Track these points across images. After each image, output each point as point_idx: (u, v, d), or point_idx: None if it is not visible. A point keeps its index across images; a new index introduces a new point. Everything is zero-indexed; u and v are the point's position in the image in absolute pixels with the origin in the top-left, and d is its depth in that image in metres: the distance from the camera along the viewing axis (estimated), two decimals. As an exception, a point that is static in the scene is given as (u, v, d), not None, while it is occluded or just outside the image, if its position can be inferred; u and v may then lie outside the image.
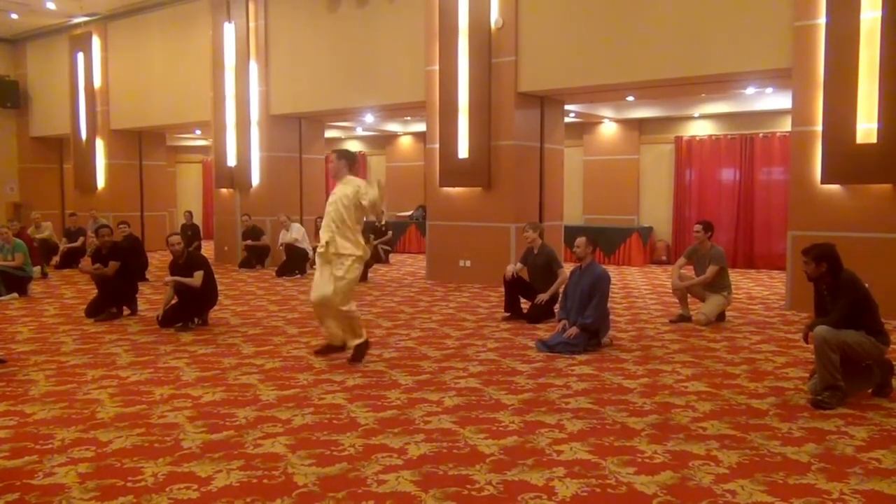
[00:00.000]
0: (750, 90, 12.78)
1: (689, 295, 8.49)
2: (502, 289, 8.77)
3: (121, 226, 12.41)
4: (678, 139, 15.28)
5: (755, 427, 4.57)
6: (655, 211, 15.70)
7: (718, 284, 8.28)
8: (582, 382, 5.68)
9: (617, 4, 10.25)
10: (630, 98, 13.64)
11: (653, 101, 14.54)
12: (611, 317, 7.37)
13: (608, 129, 16.19)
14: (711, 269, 8.19)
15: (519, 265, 8.68)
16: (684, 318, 8.33)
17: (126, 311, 8.90)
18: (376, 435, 4.42)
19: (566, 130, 13.37)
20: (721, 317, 8.37)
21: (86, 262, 10.30)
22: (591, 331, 6.80)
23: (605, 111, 15.26)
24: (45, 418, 4.79)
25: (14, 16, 17.45)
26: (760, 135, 14.33)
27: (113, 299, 8.80)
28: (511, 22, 11.11)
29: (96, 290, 8.94)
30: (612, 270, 13.63)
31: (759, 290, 11.20)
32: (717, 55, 9.58)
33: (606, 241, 14.93)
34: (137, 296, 9.16)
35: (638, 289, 11.29)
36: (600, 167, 16.27)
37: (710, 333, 7.69)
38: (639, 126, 15.86)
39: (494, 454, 4.09)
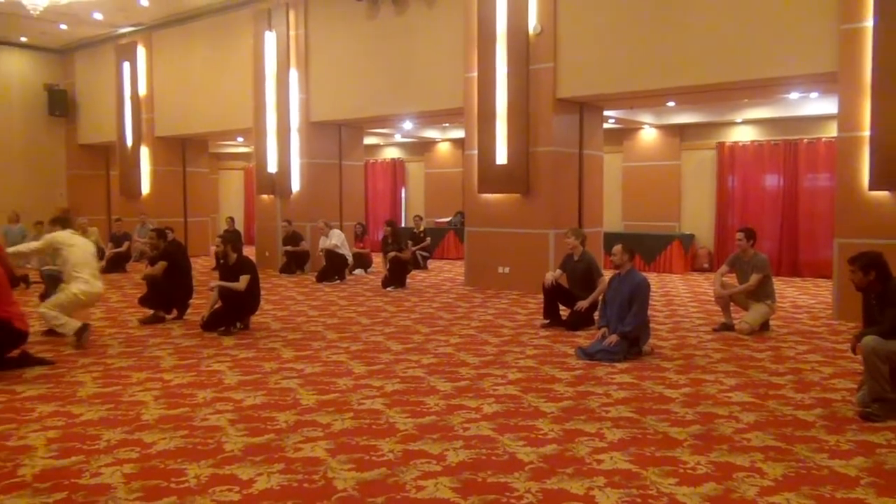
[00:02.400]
0: (794, 95, 12.56)
1: (731, 303, 8.35)
2: (541, 296, 8.73)
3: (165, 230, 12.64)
4: (720, 145, 15.07)
5: (801, 439, 4.48)
6: (697, 218, 15.49)
7: (762, 293, 8.13)
8: (622, 391, 5.62)
9: (657, 9, 10.15)
10: (671, 104, 13.50)
11: (694, 106, 14.35)
12: (651, 325, 7.29)
13: (648, 135, 16.04)
14: (755, 278, 8.05)
15: (558, 272, 8.63)
16: (727, 327, 8.19)
17: (172, 314, 9.04)
18: (415, 441, 4.43)
19: (605, 136, 13.27)
20: (765, 326, 8.22)
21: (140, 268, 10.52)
22: (630, 339, 6.73)
23: (646, 117, 15.12)
24: (91, 419, 4.89)
25: (63, 27, 17.91)
26: (805, 140, 14.06)
27: (164, 300, 8.95)
28: (549, 28, 11.08)
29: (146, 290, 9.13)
30: (653, 278, 13.48)
31: (805, 298, 10.97)
32: (760, 59, 9.42)
33: (646, 248, 14.78)
34: (190, 301, 9.31)
35: (679, 297, 11.14)
36: (640, 173, 16.12)
37: (753, 343, 7.56)
38: (680, 132, 15.68)
39: (533, 462, 4.07)
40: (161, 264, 8.92)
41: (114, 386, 5.80)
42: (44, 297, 10.37)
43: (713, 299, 8.80)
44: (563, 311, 8.53)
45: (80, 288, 7.39)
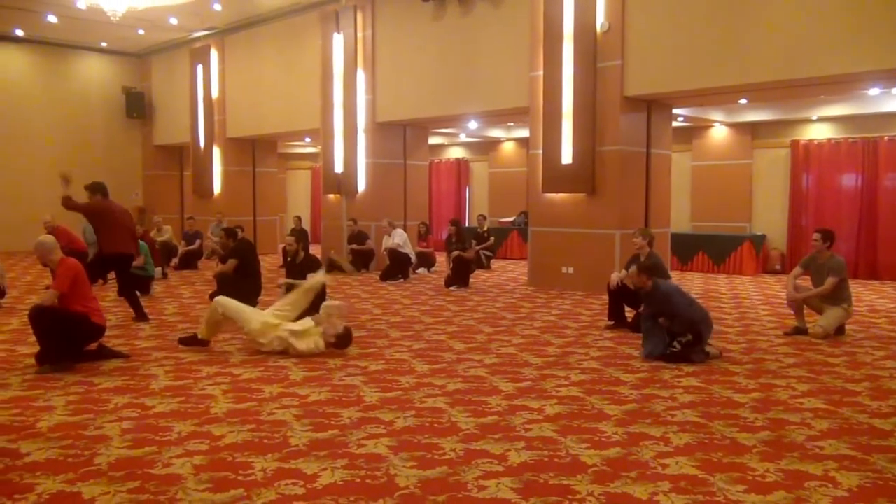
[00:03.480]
0: (874, 91, 12.07)
1: (805, 307, 8.08)
2: (606, 297, 8.62)
3: (235, 229, 12.99)
4: (794, 143, 14.60)
5: (878, 448, 4.30)
6: (769, 218, 15.04)
7: (838, 296, 7.84)
8: (689, 395, 5.50)
9: (729, 3, 9.89)
10: (743, 101, 13.15)
11: (767, 103, 13.97)
12: (719, 326, 7.09)
13: (719, 133, 15.67)
14: (830, 281, 7.77)
15: (624, 272, 8.49)
16: (800, 331, 7.92)
17: None
18: (477, 440, 4.43)
19: (674, 134, 13.02)
20: (840, 330, 7.92)
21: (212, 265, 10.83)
22: (693, 334, 6.55)
23: (716, 115, 14.77)
24: (163, 411, 5.05)
25: (141, 31, 18.57)
26: (885, 138, 13.50)
27: (235, 297, 9.14)
28: (618, 25, 10.92)
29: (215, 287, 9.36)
30: (722, 279, 13.22)
31: (883, 302, 10.53)
32: (838, 54, 9.07)
33: (716, 249, 14.46)
34: (259, 298, 9.52)
35: (749, 299, 10.84)
36: (710, 172, 15.76)
37: (828, 347, 7.29)
38: (752, 130, 15.26)
39: (597, 465, 4.02)
40: (232, 262, 9.15)
41: (185, 379, 5.98)
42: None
43: (785, 302, 8.53)
44: (629, 313, 8.40)
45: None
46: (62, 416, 4.95)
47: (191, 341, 7.17)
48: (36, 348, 6.43)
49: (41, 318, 6.20)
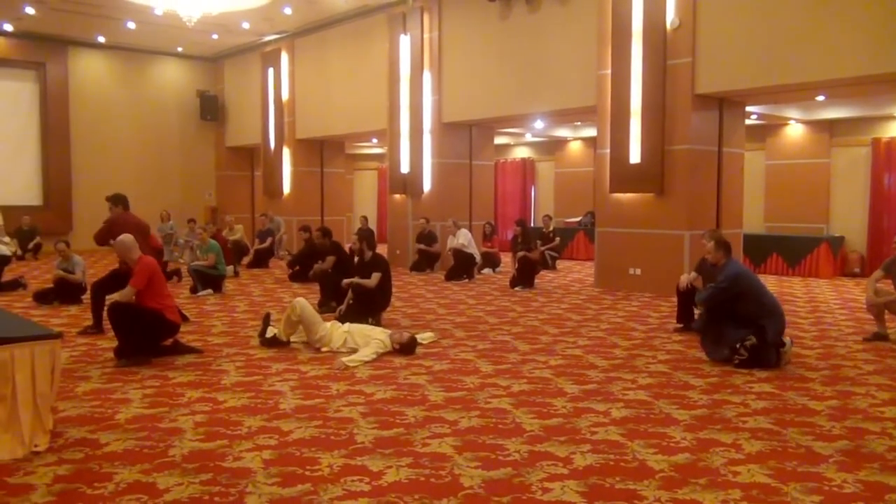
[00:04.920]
0: (963, 85, 11.48)
1: (886, 312, 7.75)
2: (675, 299, 8.44)
3: (301, 231, 13.22)
4: (876, 141, 14.03)
5: (966, 461, 4.09)
6: (848, 219, 14.49)
7: (922, 301, 7.51)
8: (761, 401, 5.34)
9: (806, -3, 9.57)
10: (820, 98, 12.70)
11: (847, 100, 13.43)
12: (796, 332, 6.84)
13: (794, 131, 15.17)
14: (914, 284, 7.44)
15: (693, 274, 8.30)
16: (880, 337, 7.61)
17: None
18: (541, 442, 4.40)
19: (747, 133, 12.66)
20: (925, 336, 7.59)
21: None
22: (756, 328, 6.34)
23: (792, 112, 14.29)
24: (234, 406, 5.18)
25: (215, 36, 19.10)
26: (976, 135, 12.85)
27: (334, 294, 9.29)
28: (688, 21, 10.69)
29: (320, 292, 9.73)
30: (797, 282, 12.81)
31: (972, 308, 10.01)
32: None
33: (791, 251, 14.01)
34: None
35: (826, 303, 10.46)
36: (785, 172, 15.27)
37: (911, 354, 6.99)
38: (830, 127, 14.73)
39: (664, 471, 3.94)
40: (330, 259, 9.47)
41: (255, 375, 6.12)
42: (193, 290, 11.15)
43: (865, 307, 8.20)
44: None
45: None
46: (139, 408, 5.13)
47: (272, 342, 7.32)
48: (115, 343, 6.68)
49: (119, 314, 6.44)
